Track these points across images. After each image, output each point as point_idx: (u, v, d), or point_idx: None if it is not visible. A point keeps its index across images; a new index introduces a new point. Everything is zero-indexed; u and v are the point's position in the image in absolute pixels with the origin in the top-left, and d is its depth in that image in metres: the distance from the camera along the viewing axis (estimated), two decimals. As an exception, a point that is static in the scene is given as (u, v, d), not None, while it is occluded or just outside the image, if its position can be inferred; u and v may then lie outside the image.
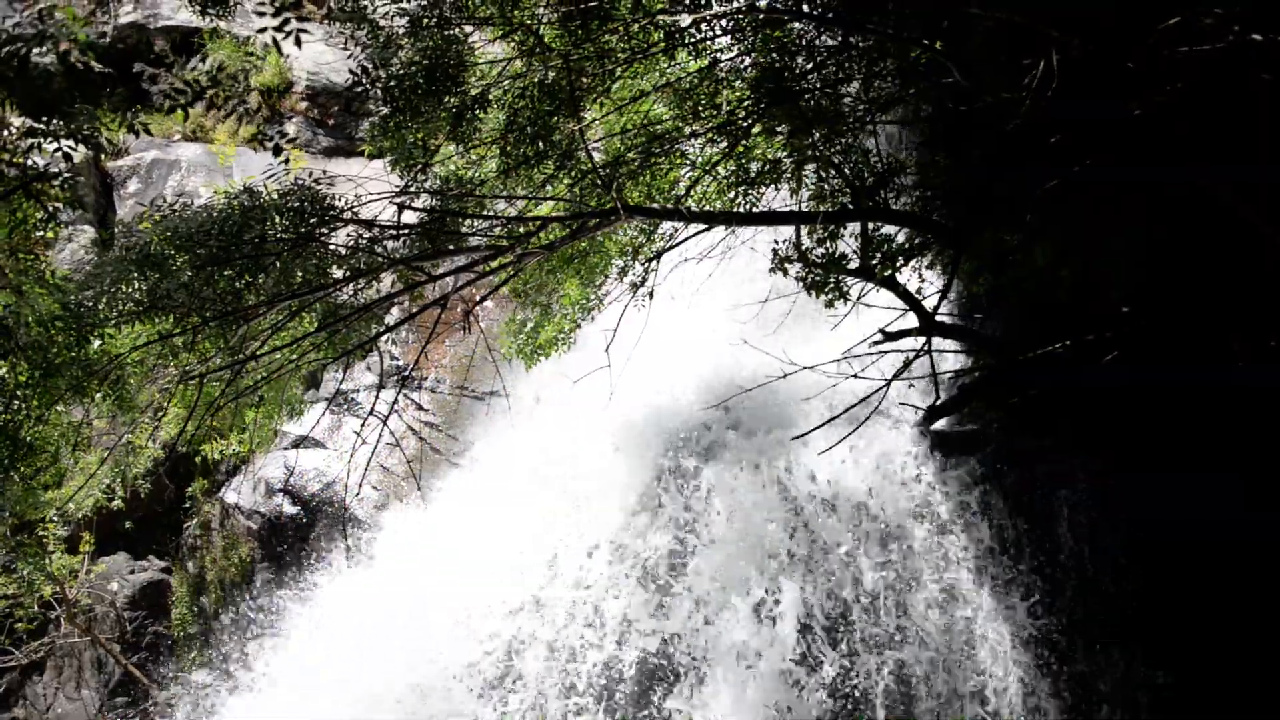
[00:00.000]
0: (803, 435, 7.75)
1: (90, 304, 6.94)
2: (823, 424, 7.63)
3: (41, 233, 8.44)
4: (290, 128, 15.47)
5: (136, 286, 6.84)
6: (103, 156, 14.27)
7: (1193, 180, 5.97)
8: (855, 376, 7.36)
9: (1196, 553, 7.19)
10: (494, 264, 7.19)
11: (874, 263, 7.28)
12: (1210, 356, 6.86)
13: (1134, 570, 7.66)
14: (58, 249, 13.02)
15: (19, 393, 7.44)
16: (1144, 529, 7.59)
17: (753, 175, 7.61)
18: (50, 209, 7.35)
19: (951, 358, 8.93)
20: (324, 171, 7.12)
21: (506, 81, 7.46)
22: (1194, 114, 5.67)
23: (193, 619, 12.28)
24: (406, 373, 11.67)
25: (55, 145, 7.14)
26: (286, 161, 6.91)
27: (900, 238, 7.73)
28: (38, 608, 11.38)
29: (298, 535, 11.70)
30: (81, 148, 6.64)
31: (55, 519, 10.97)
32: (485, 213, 7.63)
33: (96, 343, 7.40)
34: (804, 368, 7.35)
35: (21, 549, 10.85)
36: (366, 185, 7.40)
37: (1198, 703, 7.26)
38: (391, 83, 6.96)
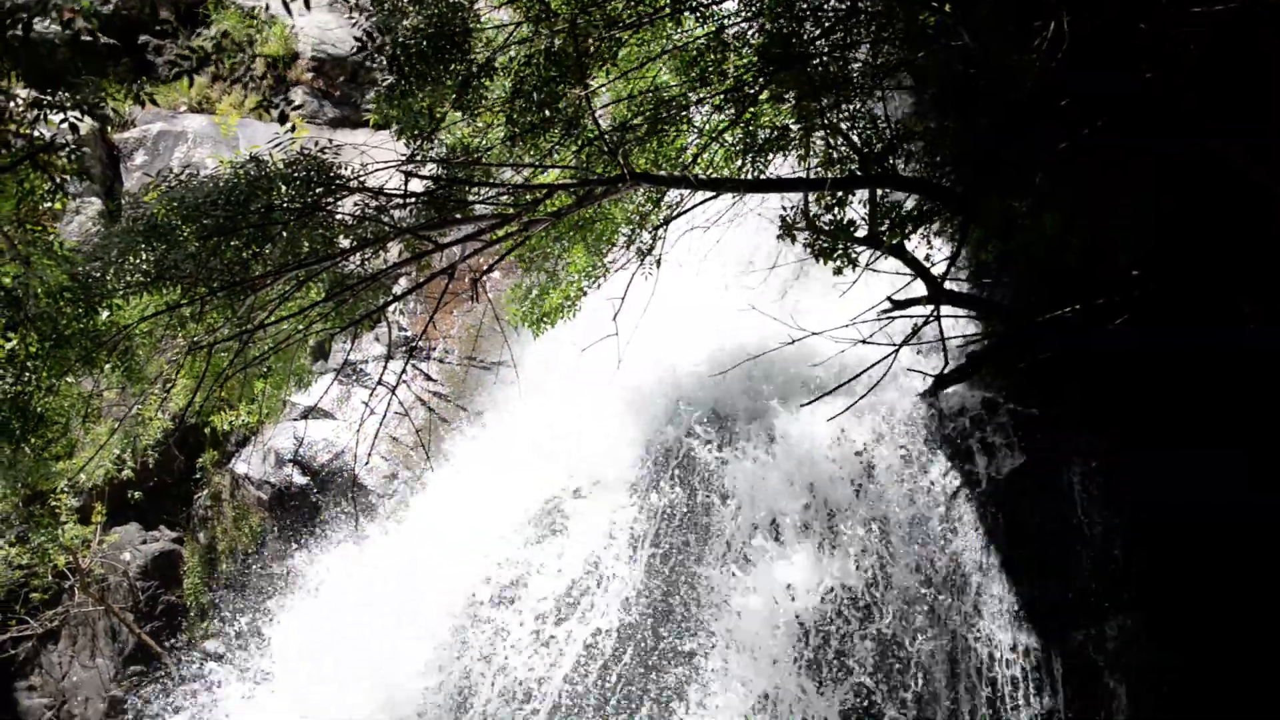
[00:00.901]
0: (811, 402, 7.75)
1: (98, 275, 6.94)
2: (831, 390, 7.63)
3: (49, 204, 8.43)
4: (296, 98, 15.43)
5: (144, 257, 6.84)
6: (109, 129, 14.24)
7: (1203, 144, 5.93)
8: (864, 342, 7.35)
9: (1199, 534, 7.19)
10: (501, 232, 7.17)
11: (882, 229, 7.25)
12: (1221, 319, 6.83)
13: (1137, 550, 7.68)
14: (65, 221, 13.01)
15: (29, 364, 7.46)
16: (1148, 511, 7.59)
17: (760, 142, 7.57)
18: (57, 180, 7.35)
19: (960, 327, 8.90)
20: (329, 140, 7.10)
21: (512, 48, 7.41)
22: (1205, 77, 5.62)
23: (205, 589, 12.35)
24: (414, 343, 11.67)
25: (61, 116, 7.13)
26: (293, 129, 6.89)
27: (909, 204, 7.70)
28: (51, 577, 11.45)
29: (308, 505, 11.75)
30: (87, 119, 6.64)
31: (67, 489, 11.02)
32: (492, 180, 7.60)
33: (105, 314, 7.40)
34: (812, 333, 7.33)
35: (34, 520, 10.91)
36: (372, 154, 7.37)
37: (1197, 679, 7.29)
38: (397, 50, 6.92)
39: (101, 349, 7.30)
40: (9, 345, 7.72)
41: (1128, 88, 5.82)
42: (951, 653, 7.80)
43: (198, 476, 12.80)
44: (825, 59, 6.88)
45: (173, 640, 12.10)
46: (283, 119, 6.96)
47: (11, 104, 7.32)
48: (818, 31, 6.97)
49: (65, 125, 7.11)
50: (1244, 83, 5.79)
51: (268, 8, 15.56)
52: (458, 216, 7.23)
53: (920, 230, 7.88)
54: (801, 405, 8.04)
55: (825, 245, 7.16)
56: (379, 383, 7.62)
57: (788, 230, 7.19)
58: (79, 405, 8.44)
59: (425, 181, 7.31)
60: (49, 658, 11.99)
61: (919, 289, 8.00)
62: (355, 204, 6.94)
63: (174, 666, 11.76)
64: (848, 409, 7.73)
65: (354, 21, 7.08)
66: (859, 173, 7.30)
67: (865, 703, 7.73)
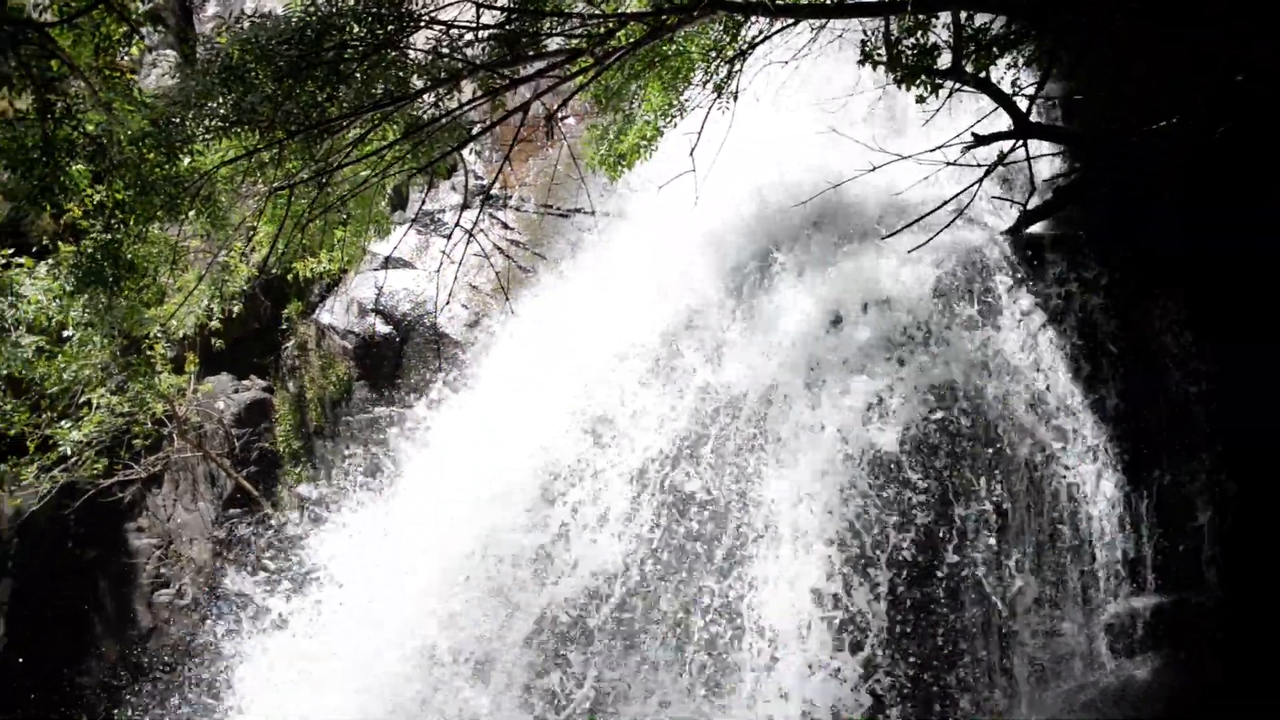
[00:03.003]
0: (892, 234, 7.61)
1: (178, 121, 7.00)
2: (913, 222, 7.47)
3: (126, 50, 8.48)
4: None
5: (221, 102, 6.85)
6: (180, -22, 14.23)
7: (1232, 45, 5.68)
8: (950, 164, 7.16)
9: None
10: (574, 67, 7.05)
11: (968, 52, 6.98)
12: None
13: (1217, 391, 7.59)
14: (143, 74, 13.09)
15: (116, 212, 7.64)
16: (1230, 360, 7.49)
17: (839, -32, 7.29)
18: (131, 23, 7.38)
19: (1048, 166, 8.67)
20: (399, -28, 6.98)
21: None
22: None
23: (296, 436, 12.75)
24: (490, 190, 11.65)
25: (131, -41, 7.12)
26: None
27: (995, 28, 7.40)
28: (151, 424, 11.87)
29: (392, 354, 11.99)
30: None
31: (160, 336, 11.34)
32: (563, 10, 7.44)
33: (186, 160, 7.51)
34: (897, 157, 7.14)
35: (132, 369, 11.28)
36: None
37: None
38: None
39: (185, 195, 7.43)
40: (97, 196, 7.90)
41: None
42: (1035, 492, 7.80)
43: (284, 327, 13.09)
44: None
45: (269, 485, 12.57)
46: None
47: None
48: None
49: (136, -33, 7.10)
50: None
51: None
52: (530, 53, 7.12)
53: (1006, 58, 7.60)
54: (882, 238, 7.91)
55: (908, 71, 6.92)
56: (457, 224, 7.64)
57: (867, 57, 6.96)
58: (166, 252, 8.64)
59: (496, 15, 7.19)
60: (154, 501, 12.55)
61: (1003, 122, 7.76)
62: (427, 40, 6.87)
63: (271, 509, 12.26)
64: (929, 240, 7.57)
65: None
66: (943, -5, 7.01)
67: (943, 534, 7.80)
